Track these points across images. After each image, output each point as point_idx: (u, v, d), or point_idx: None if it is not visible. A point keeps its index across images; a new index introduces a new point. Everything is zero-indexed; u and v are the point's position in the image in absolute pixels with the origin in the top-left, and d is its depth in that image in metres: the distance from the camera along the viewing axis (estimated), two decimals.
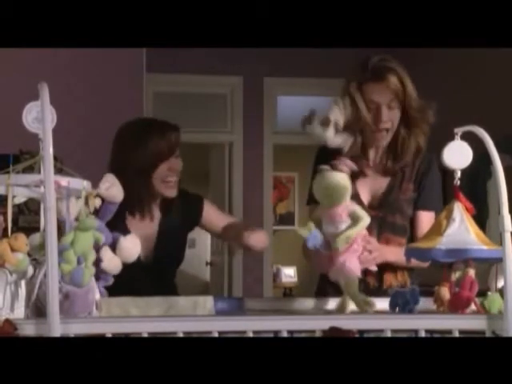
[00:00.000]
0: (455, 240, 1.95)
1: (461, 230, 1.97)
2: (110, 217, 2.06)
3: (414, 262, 2.26)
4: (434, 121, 2.62)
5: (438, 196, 2.65)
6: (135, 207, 2.68)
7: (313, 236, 2.08)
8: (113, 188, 2.03)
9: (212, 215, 2.84)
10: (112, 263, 1.99)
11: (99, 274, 1.97)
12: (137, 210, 2.69)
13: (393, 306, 2.03)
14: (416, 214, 2.64)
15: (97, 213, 1.99)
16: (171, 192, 2.69)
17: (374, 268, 2.25)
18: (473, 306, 1.98)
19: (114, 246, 2.03)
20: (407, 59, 2.68)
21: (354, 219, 2.10)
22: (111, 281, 2.01)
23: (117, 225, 2.10)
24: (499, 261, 1.87)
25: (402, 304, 2.00)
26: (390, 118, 2.55)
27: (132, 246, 2.06)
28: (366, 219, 2.11)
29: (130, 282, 2.12)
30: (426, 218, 2.63)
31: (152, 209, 2.73)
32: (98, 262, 1.94)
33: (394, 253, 2.49)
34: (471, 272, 1.99)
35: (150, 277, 2.64)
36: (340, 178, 2.10)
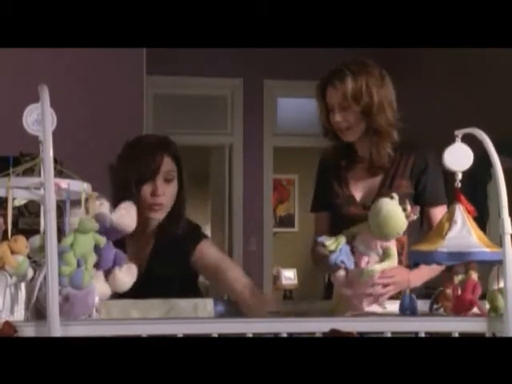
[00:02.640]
0: (457, 243, 1.95)
1: (463, 232, 1.97)
2: (118, 238, 2.05)
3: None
4: (435, 125, 2.64)
5: (442, 189, 2.67)
6: None
7: (338, 253, 2.13)
8: (127, 216, 2.02)
9: (206, 257, 2.61)
10: (102, 293, 1.97)
11: None
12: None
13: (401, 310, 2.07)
14: (428, 212, 2.64)
15: (106, 233, 1.98)
16: (156, 215, 2.58)
17: (381, 308, 2.24)
18: (475, 309, 1.97)
19: (109, 270, 2.02)
20: (407, 60, 2.69)
21: (385, 254, 2.16)
22: None
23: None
24: (501, 263, 1.87)
25: (406, 308, 2.04)
26: (345, 117, 2.62)
27: (126, 279, 2.03)
28: (394, 260, 2.16)
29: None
30: (439, 213, 2.61)
31: (144, 232, 2.63)
32: None
33: (418, 276, 2.49)
34: (474, 275, 2.00)
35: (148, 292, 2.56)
36: (404, 223, 2.13)
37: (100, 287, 1.96)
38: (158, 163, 2.54)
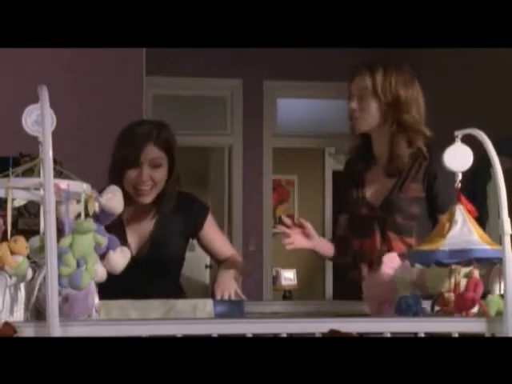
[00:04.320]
0: (458, 241, 1.95)
1: (463, 231, 1.96)
2: (109, 222, 2.07)
3: None
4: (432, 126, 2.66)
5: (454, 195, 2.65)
6: (135, 202, 2.70)
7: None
8: (114, 199, 2.03)
9: (212, 229, 2.86)
10: (98, 275, 1.99)
11: None
12: (136, 204, 2.71)
13: (399, 311, 2.04)
14: (439, 218, 2.61)
15: (97, 218, 2.00)
16: (143, 199, 2.70)
17: None
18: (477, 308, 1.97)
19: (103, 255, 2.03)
20: (407, 60, 2.71)
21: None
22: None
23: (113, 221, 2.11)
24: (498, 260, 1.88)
25: (406, 308, 2.01)
26: (359, 107, 2.66)
27: (120, 260, 2.05)
28: None
29: (127, 279, 2.11)
30: None
31: (142, 208, 2.75)
32: None
33: None
34: (475, 273, 2.00)
35: (150, 275, 2.64)
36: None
37: (96, 269, 1.97)
38: (141, 151, 2.66)
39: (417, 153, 2.64)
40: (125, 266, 2.06)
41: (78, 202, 1.89)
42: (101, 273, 1.99)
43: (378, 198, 2.67)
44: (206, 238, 2.84)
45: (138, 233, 2.75)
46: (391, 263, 2.18)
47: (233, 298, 2.57)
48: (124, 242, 2.61)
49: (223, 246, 2.89)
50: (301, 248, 2.70)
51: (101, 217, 2.03)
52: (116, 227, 2.14)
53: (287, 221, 2.66)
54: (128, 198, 2.63)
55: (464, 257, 1.96)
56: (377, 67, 2.64)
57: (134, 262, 2.17)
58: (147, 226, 2.76)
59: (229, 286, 2.61)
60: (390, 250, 2.58)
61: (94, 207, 1.92)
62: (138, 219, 2.75)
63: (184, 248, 2.86)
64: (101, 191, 2.09)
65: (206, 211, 2.85)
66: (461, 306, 1.97)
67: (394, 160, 2.65)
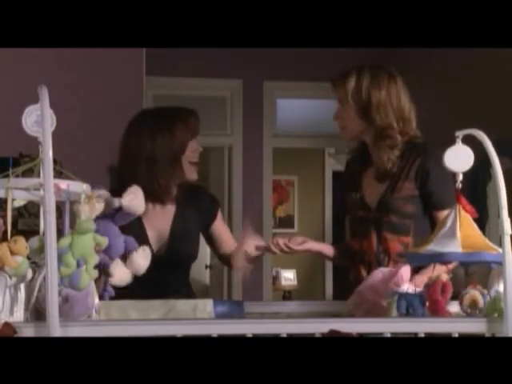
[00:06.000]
0: (439, 244, 1.95)
1: (447, 234, 1.96)
2: (126, 223, 2.07)
3: None
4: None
5: (450, 193, 2.61)
6: (155, 196, 2.69)
7: None
8: (136, 200, 2.04)
9: (221, 221, 2.92)
10: (123, 278, 2.01)
11: (106, 287, 1.99)
12: (156, 199, 2.71)
13: (400, 309, 2.03)
14: (435, 216, 2.60)
15: (113, 217, 2.00)
16: (194, 175, 2.77)
17: None
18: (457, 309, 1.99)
19: (124, 255, 2.05)
20: (407, 60, 2.71)
21: None
22: (113, 293, 2.03)
23: (133, 221, 2.12)
24: (476, 264, 1.89)
25: (414, 307, 2.00)
26: (340, 114, 2.70)
27: (143, 261, 2.07)
28: None
29: (145, 277, 2.11)
30: None
31: (170, 198, 2.77)
32: (106, 276, 1.95)
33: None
34: (443, 275, 2.01)
35: (165, 272, 2.65)
36: None
37: (119, 273, 1.98)
38: (196, 124, 2.83)
39: (406, 153, 2.64)
40: (147, 266, 2.08)
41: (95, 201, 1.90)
42: (125, 275, 2.00)
43: (373, 199, 2.67)
44: (215, 229, 2.89)
45: (158, 230, 2.76)
46: (397, 279, 2.16)
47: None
48: (146, 241, 2.62)
49: (229, 238, 2.93)
50: (310, 249, 2.76)
51: (117, 217, 2.03)
52: (136, 227, 2.15)
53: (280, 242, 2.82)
54: (151, 197, 2.64)
55: (439, 260, 1.97)
56: (350, 74, 2.63)
57: (154, 260, 2.18)
58: (166, 222, 2.77)
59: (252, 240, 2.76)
60: (386, 250, 2.59)
61: (95, 207, 1.92)
62: (156, 216, 2.75)
63: (198, 242, 2.88)
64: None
65: (218, 202, 2.92)
66: (431, 310, 1.98)
67: (380, 164, 2.65)
